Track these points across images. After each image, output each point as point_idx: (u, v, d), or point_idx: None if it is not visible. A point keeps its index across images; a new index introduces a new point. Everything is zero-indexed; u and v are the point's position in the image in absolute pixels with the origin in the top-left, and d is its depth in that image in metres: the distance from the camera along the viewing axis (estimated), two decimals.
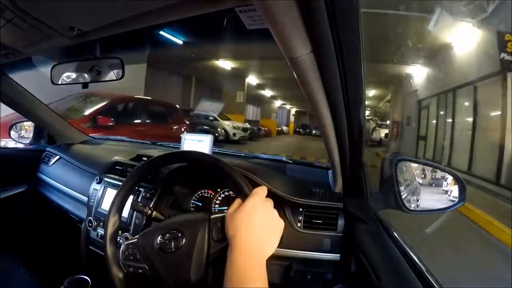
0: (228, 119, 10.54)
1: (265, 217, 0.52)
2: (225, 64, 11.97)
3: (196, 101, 12.87)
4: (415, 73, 8.33)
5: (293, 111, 29.31)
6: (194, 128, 8.32)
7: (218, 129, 9.50)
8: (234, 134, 9.78)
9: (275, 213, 0.55)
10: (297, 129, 26.42)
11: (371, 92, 14.06)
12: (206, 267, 0.59)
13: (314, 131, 22.89)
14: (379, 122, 14.66)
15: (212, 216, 0.62)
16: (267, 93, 19.85)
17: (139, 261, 0.63)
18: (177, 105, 6.57)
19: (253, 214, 0.51)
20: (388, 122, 14.02)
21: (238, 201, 0.58)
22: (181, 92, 13.00)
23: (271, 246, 0.51)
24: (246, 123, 12.09)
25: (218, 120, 10.02)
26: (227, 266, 0.46)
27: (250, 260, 0.46)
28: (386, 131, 12.46)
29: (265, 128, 15.65)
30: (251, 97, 17.99)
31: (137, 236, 0.66)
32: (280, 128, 21.39)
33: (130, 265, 0.63)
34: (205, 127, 9.37)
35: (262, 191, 0.56)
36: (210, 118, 10.11)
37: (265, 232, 0.50)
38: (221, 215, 0.61)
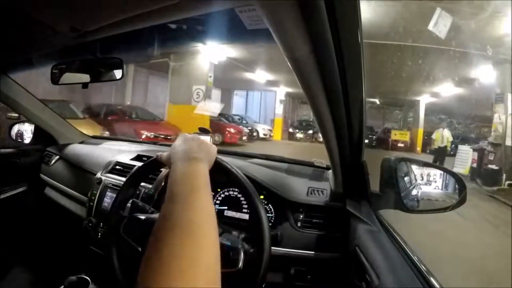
0: None
1: (191, 140, 0.54)
2: None
3: None
4: None
5: (281, 94, 14.03)
6: None
7: None
8: None
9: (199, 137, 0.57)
10: (292, 130, 13.67)
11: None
12: None
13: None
14: None
15: None
16: None
17: (135, 240, 0.67)
18: None
19: (180, 145, 0.53)
20: None
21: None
22: None
23: (208, 153, 0.53)
24: None
25: None
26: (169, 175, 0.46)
27: (191, 163, 0.47)
28: None
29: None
30: None
31: (147, 215, 0.70)
32: (241, 131, 9.86)
33: (125, 240, 0.68)
34: None
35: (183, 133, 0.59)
36: None
37: (196, 146, 0.52)
38: None
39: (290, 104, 15.86)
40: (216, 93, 13.94)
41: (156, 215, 0.72)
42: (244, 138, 9.91)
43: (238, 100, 16.46)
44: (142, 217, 0.70)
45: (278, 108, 14.37)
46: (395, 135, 12.18)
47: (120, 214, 0.71)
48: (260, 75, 11.13)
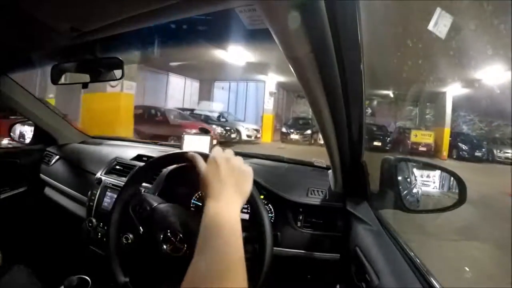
0: None
1: (229, 165, 0.53)
2: None
3: None
4: None
5: (271, 84, 11.33)
6: None
7: None
8: None
9: (238, 160, 0.55)
10: (285, 130, 11.06)
11: None
12: None
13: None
14: None
15: None
16: None
17: (140, 220, 0.70)
18: None
19: (218, 166, 0.52)
20: None
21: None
22: None
23: (241, 190, 0.52)
24: None
25: None
26: (202, 218, 0.46)
27: (225, 205, 0.48)
28: None
29: None
30: None
31: (153, 203, 0.72)
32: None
33: (131, 219, 0.70)
34: None
35: (217, 148, 0.58)
36: None
37: (234, 179, 0.51)
38: None
39: (284, 98, 12.88)
40: (195, 86, 12.54)
41: (163, 205, 0.73)
42: (214, 142, 7.67)
43: (221, 94, 13.48)
44: (154, 203, 0.71)
45: (268, 103, 11.21)
46: (415, 136, 9.57)
47: (135, 188, 0.74)
48: (235, 54, 7.47)
